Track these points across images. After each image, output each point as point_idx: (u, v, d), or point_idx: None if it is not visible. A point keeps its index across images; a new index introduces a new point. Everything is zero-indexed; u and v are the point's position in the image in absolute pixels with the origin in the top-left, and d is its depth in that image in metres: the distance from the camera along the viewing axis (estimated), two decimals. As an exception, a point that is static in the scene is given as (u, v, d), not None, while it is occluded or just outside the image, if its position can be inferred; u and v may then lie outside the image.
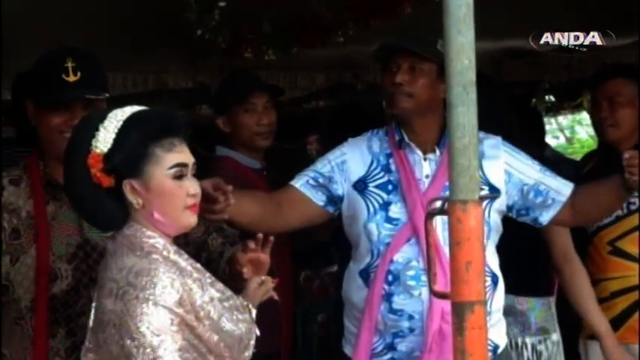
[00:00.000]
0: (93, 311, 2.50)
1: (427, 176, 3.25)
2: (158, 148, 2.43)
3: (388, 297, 3.19)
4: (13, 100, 4.27)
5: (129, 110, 2.47)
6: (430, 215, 2.16)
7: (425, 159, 3.26)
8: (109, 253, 2.48)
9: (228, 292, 2.54)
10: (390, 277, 3.19)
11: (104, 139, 2.41)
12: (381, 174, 3.29)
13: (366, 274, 3.24)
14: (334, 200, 3.32)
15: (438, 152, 3.26)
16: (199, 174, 2.99)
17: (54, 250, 2.85)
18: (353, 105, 5.01)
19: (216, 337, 2.43)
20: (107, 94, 2.92)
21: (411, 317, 3.19)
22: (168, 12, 4.17)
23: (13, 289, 2.84)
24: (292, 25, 4.72)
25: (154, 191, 2.43)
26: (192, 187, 2.47)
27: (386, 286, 3.19)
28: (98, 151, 2.41)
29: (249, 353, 2.54)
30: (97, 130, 2.42)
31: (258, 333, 2.60)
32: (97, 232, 2.87)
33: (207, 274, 2.52)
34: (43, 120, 2.88)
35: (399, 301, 3.19)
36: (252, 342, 2.56)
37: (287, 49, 4.78)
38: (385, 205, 3.24)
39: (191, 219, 2.49)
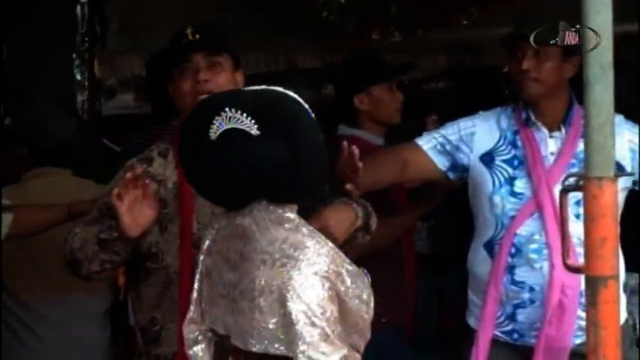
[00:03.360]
0: (197, 285, 2.55)
1: (552, 153, 3.33)
2: None
3: (510, 269, 3.29)
4: (148, 79, 4.43)
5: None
6: (565, 191, 2.21)
7: (551, 137, 3.34)
8: (246, 227, 2.46)
9: (347, 258, 2.55)
10: (512, 250, 3.29)
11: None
12: (508, 149, 3.38)
13: (490, 247, 3.35)
14: (457, 168, 3.44)
15: (563, 130, 3.33)
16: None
17: (199, 219, 2.93)
18: (471, 87, 5.06)
19: (355, 303, 2.47)
20: (231, 55, 2.98)
21: (531, 289, 3.28)
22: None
23: (162, 257, 2.94)
24: (418, 7, 4.78)
25: None
26: None
27: (509, 259, 3.29)
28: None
29: (369, 315, 2.55)
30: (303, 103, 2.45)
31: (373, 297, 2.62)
32: None
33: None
34: (177, 91, 2.95)
35: (520, 274, 3.29)
36: (372, 304, 2.56)
37: (413, 31, 4.84)
38: (510, 180, 3.34)
39: None
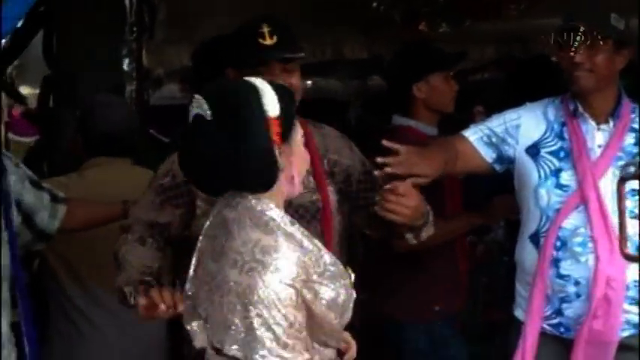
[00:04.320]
0: (194, 263, 2.56)
1: (599, 146, 3.31)
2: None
3: (556, 262, 3.28)
4: (195, 69, 4.41)
5: (263, 80, 2.51)
6: (622, 180, 2.20)
7: (598, 129, 3.32)
8: (229, 221, 2.49)
9: (332, 258, 2.56)
10: (558, 243, 3.27)
11: (272, 103, 2.45)
12: (554, 141, 3.36)
13: (536, 239, 3.33)
14: (503, 159, 3.42)
15: (611, 123, 3.32)
16: (376, 143, 3.10)
17: None
18: (519, 77, 5.03)
19: (324, 308, 2.46)
20: (302, 55, 3.03)
21: (577, 283, 3.26)
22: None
23: None
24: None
25: (296, 155, 2.52)
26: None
27: (554, 252, 3.27)
28: (271, 114, 2.45)
29: (348, 315, 2.56)
30: (260, 95, 2.45)
31: (354, 295, 2.59)
32: (306, 192, 2.98)
33: (316, 241, 2.55)
34: None
35: (566, 267, 3.27)
36: (351, 305, 2.56)
37: (460, 22, 4.83)
38: (556, 172, 3.32)
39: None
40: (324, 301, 2.45)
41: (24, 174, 3.23)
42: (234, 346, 2.40)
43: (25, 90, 6.56)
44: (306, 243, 2.48)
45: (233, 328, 2.40)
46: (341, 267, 2.55)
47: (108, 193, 3.56)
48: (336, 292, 2.49)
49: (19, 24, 5.24)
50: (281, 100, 2.46)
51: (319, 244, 2.53)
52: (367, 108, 5.79)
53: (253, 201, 2.48)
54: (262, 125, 2.43)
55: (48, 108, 4.96)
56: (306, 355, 2.40)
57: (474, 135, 3.43)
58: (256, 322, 2.36)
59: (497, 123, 3.43)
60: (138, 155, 3.88)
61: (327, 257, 2.51)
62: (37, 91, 6.41)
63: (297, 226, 2.52)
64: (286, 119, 2.47)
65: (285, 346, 2.36)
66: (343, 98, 6.76)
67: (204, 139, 2.41)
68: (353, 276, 2.71)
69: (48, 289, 3.83)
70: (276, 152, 2.44)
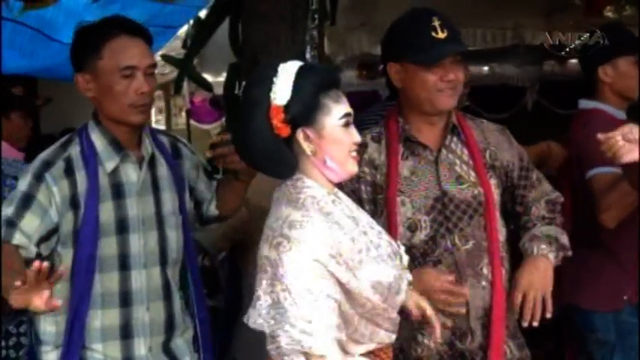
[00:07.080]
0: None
1: None
2: (327, 99, 2.52)
3: None
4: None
5: (296, 64, 2.54)
6: None
7: None
8: (273, 200, 2.58)
9: (381, 240, 2.60)
10: None
11: (282, 91, 2.49)
12: None
13: None
14: None
15: None
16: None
17: (414, 203, 2.98)
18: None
19: (364, 286, 2.48)
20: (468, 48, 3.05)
21: None
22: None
23: None
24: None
25: (327, 139, 2.52)
26: (356, 135, 2.56)
27: None
28: (278, 102, 2.49)
29: (401, 297, 2.60)
30: (273, 83, 2.50)
31: (410, 278, 2.64)
32: (454, 185, 3.00)
33: (363, 222, 2.59)
34: (416, 78, 2.98)
35: None
36: (404, 286, 2.60)
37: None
38: None
39: (354, 166, 2.58)
40: (366, 280, 2.48)
41: (199, 162, 3.30)
42: (259, 320, 2.47)
43: (206, 78, 6.77)
44: (344, 220, 2.53)
45: (259, 302, 2.47)
46: (390, 249, 2.60)
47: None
48: (381, 271, 2.52)
49: (204, 14, 5.46)
50: (299, 86, 2.49)
51: (367, 225, 2.59)
52: (543, 93, 5.73)
53: (291, 180, 2.55)
54: (262, 115, 2.50)
55: (234, 95, 5.12)
56: (332, 331, 2.41)
57: None
58: (282, 296, 2.41)
59: None
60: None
61: (374, 237, 2.57)
62: (218, 79, 6.63)
63: (342, 205, 2.57)
64: (303, 105, 2.49)
65: (309, 321, 2.40)
66: (519, 84, 6.68)
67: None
68: (406, 259, 2.68)
69: (242, 273, 3.95)
70: (280, 139, 2.49)
